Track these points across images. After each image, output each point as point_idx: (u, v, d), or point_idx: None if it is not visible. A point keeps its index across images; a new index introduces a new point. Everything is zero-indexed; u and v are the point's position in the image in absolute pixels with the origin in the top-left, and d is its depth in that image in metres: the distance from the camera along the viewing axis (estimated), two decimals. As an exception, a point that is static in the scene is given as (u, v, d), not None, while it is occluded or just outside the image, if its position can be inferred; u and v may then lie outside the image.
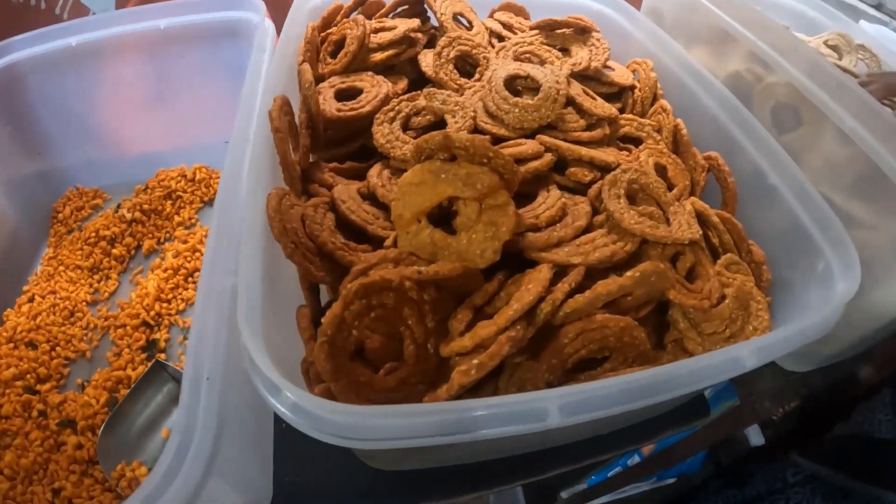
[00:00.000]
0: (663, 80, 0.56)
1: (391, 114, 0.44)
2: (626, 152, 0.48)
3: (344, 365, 0.33)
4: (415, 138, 0.44)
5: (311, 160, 0.45)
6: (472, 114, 0.43)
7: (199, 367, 0.33)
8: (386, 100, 0.45)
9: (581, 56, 0.52)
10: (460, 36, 0.50)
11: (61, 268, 0.55)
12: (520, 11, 0.59)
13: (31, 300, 0.54)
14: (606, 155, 0.43)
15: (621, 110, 0.54)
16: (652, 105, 0.55)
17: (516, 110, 0.45)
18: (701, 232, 0.40)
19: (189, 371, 0.32)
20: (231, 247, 0.36)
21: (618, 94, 0.55)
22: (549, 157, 0.41)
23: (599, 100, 0.51)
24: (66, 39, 0.53)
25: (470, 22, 0.54)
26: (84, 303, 0.54)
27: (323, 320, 0.32)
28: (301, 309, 0.37)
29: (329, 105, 0.45)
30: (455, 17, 0.54)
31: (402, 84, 0.49)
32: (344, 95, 0.47)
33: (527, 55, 0.51)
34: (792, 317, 0.43)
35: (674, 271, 0.38)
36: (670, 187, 0.48)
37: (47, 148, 0.58)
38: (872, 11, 0.82)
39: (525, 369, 0.35)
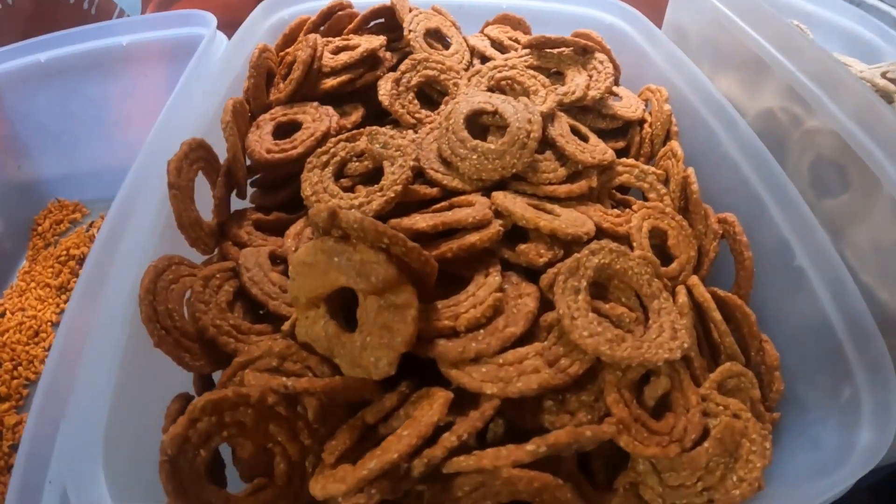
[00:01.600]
0: (680, 114, 0.41)
1: (325, 157, 0.34)
2: (618, 210, 0.35)
3: (192, 485, 0.24)
4: (348, 189, 0.33)
5: (240, 208, 0.35)
6: (412, 162, 0.32)
7: (35, 467, 0.25)
8: (323, 139, 0.34)
9: (576, 83, 0.39)
10: (427, 58, 0.38)
11: (33, 284, 0.51)
12: (518, 24, 0.46)
13: (1, 315, 0.50)
14: (577, 225, 0.30)
15: (626, 149, 0.41)
16: (665, 144, 0.40)
17: (474, 156, 0.33)
18: (687, 344, 0.27)
19: (19, 476, 0.24)
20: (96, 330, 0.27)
21: (624, 128, 0.41)
22: (496, 227, 0.29)
23: (593, 139, 0.38)
24: (36, 55, 0.46)
25: (449, 39, 0.41)
26: (49, 323, 0.48)
27: (164, 437, 0.24)
28: (174, 402, 0.28)
29: (261, 144, 0.35)
30: (432, 34, 0.41)
31: (356, 116, 0.38)
32: (287, 129, 0.37)
33: (506, 82, 0.38)
34: (798, 452, 0.30)
35: (633, 404, 0.25)
36: (671, 259, 0.34)
37: (27, 161, 0.52)
38: None
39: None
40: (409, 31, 0.40)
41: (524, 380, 0.24)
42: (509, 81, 0.38)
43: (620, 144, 0.40)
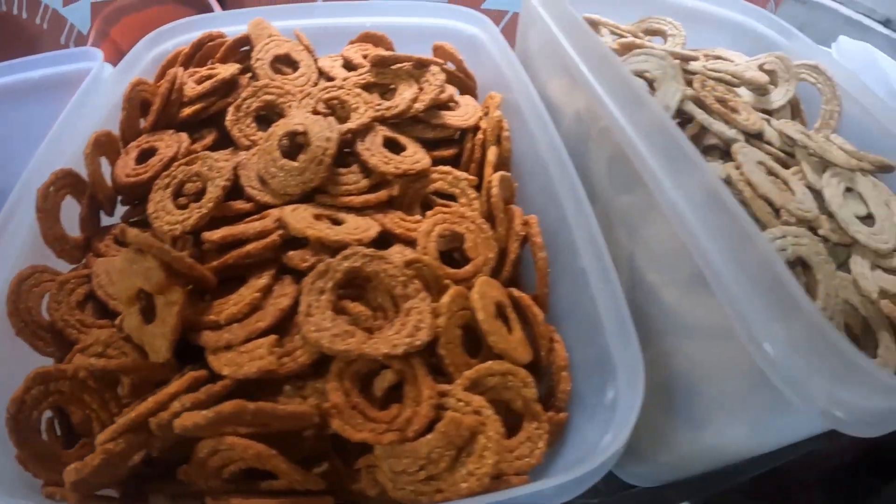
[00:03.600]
0: (512, 119, 0.48)
1: (167, 179, 0.44)
2: (416, 217, 0.43)
3: (29, 438, 0.36)
4: (184, 206, 0.44)
5: (109, 224, 0.47)
6: (224, 182, 0.41)
7: None
8: (170, 163, 0.45)
9: (402, 98, 0.47)
10: (268, 84, 0.47)
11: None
12: (380, 41, 0.54)
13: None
14: (352, 232, 0.39)
15: (458, 156, 0.48)
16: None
17: (281, 174, 0.42)
18: (420, 342, 0.33)
19: None
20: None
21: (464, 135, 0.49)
22: (273, 238, 0.38)
23: (411, 149, 0.45)
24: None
25: (299, 63, 0.51)
26: None
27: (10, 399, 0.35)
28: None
29: (123, 169, 0.46)
30: (283, 60, 0.51)
31: (209, 139, 0.48)
32: (152, 155, 0.48)
33: (335, 101, 0.47)
34: (569, 450, 0.35)
35: (354, 392, 0.33)
36: (468, 261, 0.42)
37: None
38: (881, 28, 0.65)
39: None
40: (257, 59, 0.49)
41: (249, 364, 0.33)
42: (336, 101, 0.47)
43: (450, 152, 0.48)
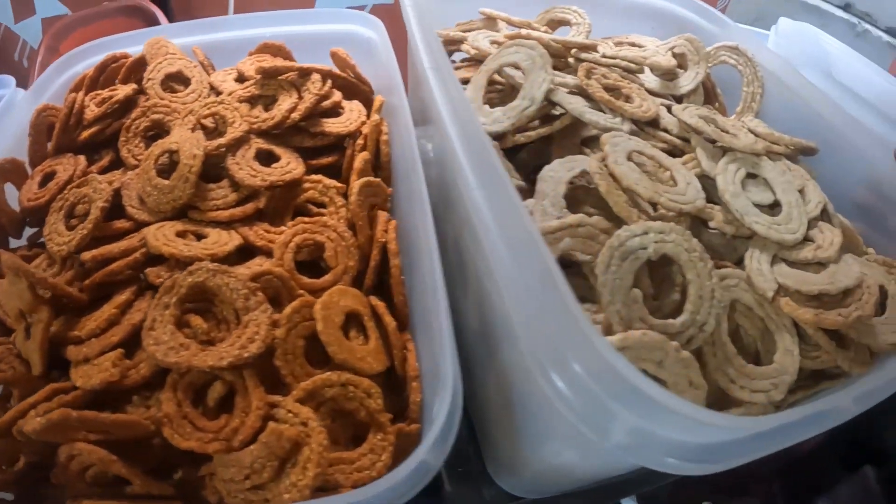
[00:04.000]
0: (393, 124, 0.49)
1: (61, 202, 0.48)
2: (282, 228, 0.45)
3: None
4: (72, 228, 0.47)
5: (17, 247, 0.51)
6: (103, 203, 0.44)
7: None
8: (65, 186, 0.49)
9: (280, 108, 0.48)
10: (156, 104, 0.50)
11: None
12: (279, 51, 0.55)
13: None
14: (208, 247, 0.41)
15: (339, 165, 0.50)
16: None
17: (155, 192, 0.44)
18: (248, 354, 0.35)
19: None
20: None
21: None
22: (134, 256, 0.41)
23: (284, 160, 0.47)
24: None
25: (190, 80, 0.53)
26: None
27: None
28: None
29: (26, 193, 0.50)
30: (175, 77, 0.53)
31: (106, 160, 0.51)
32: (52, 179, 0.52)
33: (215, 116, 0.49)
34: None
35: (186, 403, 0.36)
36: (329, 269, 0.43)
37: None
38: (840, 13, 0.62)
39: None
40: (148, 79, 0.52)
41: (96, 376, 0.36)
42: (217, 115, 0.49)
43: (331, 159, 0.49)
